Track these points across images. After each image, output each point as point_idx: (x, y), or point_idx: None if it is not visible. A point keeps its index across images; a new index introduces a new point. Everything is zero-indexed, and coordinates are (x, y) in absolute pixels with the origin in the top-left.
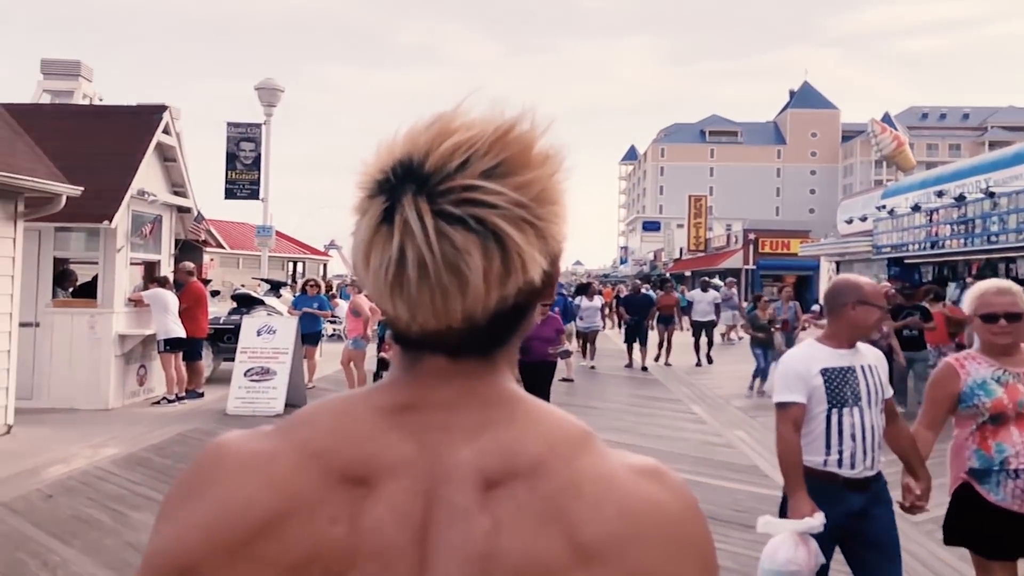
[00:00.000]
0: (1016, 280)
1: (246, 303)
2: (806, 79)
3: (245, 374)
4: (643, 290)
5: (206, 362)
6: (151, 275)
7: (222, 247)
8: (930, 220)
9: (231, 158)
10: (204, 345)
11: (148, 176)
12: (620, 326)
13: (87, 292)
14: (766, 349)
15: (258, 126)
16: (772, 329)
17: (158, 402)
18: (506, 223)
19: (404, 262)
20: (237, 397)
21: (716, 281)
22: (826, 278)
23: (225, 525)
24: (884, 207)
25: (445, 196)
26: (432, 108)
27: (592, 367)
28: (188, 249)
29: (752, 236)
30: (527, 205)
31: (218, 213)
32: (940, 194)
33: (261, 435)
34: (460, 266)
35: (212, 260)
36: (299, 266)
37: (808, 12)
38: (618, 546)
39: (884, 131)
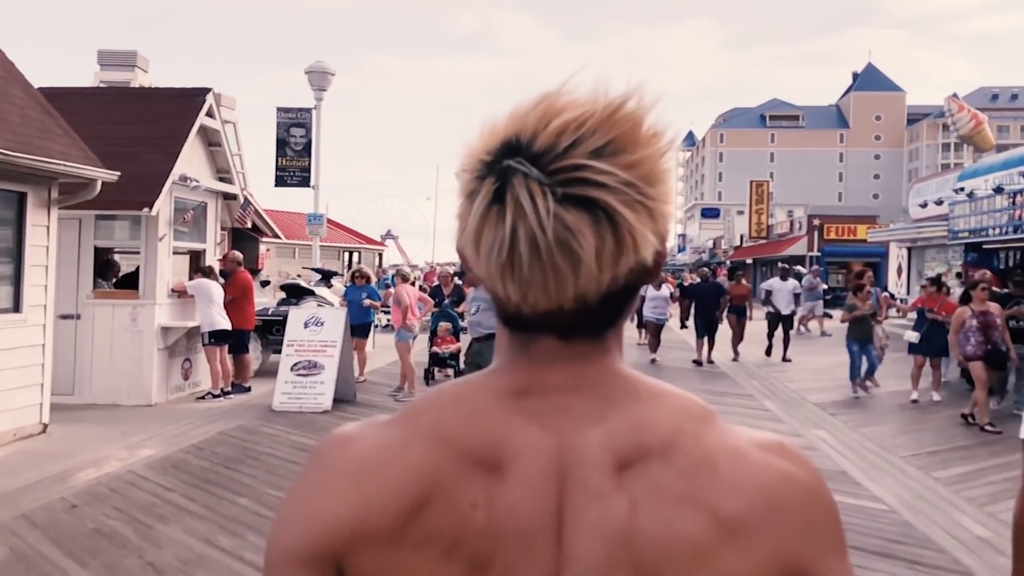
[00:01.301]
0: None
1: (296, 293)
2: (870, 60)
3: (292, 368)
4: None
5: (254, 355)
6: (196, 265)
7: (278, 237)
8: (1013, 203)
9: (281, 144)
10: (252, 337)
11: (191, 161)
12: (686, 318)
13: (130, 283)
14: (864, 344)
15: (308, 111)
16: (872, 321)
17: (203, 397)
18: (618, 202)
19: (516, 242)
20: (283, 392)
21: (800, 269)
22: (895, 265)
23: (376, 511)
24: (962, 189)
25: (556, 176)
26: (490, 97)
27: (654, 360)
28: (243, 239)
29: (817, 222)
30: (637, 184)
31: (274, 203)
32: None
33: (380, 425)
34: (572, 245)
35: (268, 250)
36: (354, 256)
37: None
38: (760, 520)
39: (961, 109)
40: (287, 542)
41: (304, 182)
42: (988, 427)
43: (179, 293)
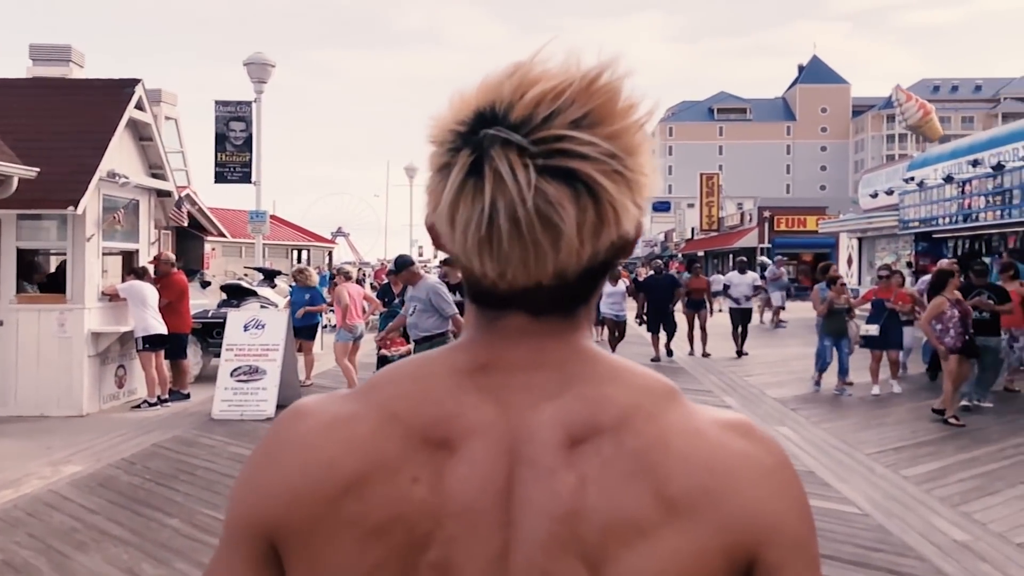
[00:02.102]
0: None
1: (237, 294)
2: (815, 53)
3: (231, 374)
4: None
5: (193, 360)
6: (129, 266)
7: (224, 236)
8: (962, 192)
9: (220, 139)
10: (191, 341)
11: (120, 156)
12: (641, 313)
13: (56, 286)
14: (839, 339)
15: (248, 104)
16: (847, 316)
17: (138, 406)
18: (600, 174)
19: (495, 216)
20: (223, 400)
21: (764, 259)
22: (846, 255)
23: (309, 486)
24: (912, 179)
25: (535, 147)
26: (440, 92)
27: None
28: (187, 238)
29: (767, 214)
30: (618, 155)
31: (219, 201)
32: (975, 163)
33: (339, 398)
34: (554, 219)
35: (213, 249)
36: (303, 254)
37: None
38: (707, 499)
39: (909, 99)
40: (233, 514)
41: (245, 178)
42: (952, 419)
43: (110, 296)
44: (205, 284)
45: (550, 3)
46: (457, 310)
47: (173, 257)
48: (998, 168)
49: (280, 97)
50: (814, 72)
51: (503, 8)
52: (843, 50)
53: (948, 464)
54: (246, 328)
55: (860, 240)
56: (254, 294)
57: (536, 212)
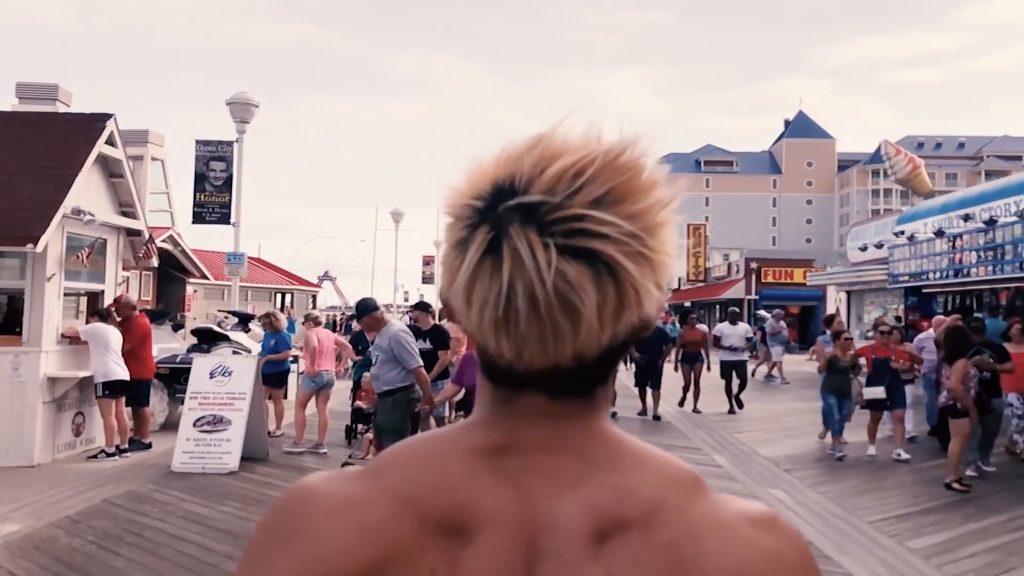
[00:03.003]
0: None
1: (208, 339)
2: (801, 108)
3: (195, 424)
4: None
5: (159, 407)
6: (92, 308)
7: (206, 278)
8: (953, 246)
9: (200, 179)
10: (157, 387)
11: (88, 193)
12: (628, 364)
13: (11, 327)
14: (841, 398)
15: (229, 144)
16: (851, 374)
17: (95, 456)
18: (621, 254)
19: (513, 297)
20: (184, 451)
21: (763, 313)
22: (833, 308)
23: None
24: (902, 232)
25: (555, 226)
26: (428, 138)
27: (614, 414)
28: (169, 280)
29: (754, 265)
30: (640, 235)
31: (203, 243)
32: (967, 218)
33: (347, 478)
34: (574, 301)
35: (195, 292)
36: (287, 297)
37: (798, 44)
38: None
39: (899, 153)
40: None
41: (224, 219)
42: (956, 485)
43: (70, 339)
44: (177, 327)
45: (538, 56)
46: (422, 362)
47: (134, 300)
48: (990, 223)
49: (269, 141)
50: (800, 127)
51: (492, 59)
52: (828, 106)
53: (956, 536)
54: (212, 375)
55: (848, 293)
56: (226, 339)
57: (555, 293)
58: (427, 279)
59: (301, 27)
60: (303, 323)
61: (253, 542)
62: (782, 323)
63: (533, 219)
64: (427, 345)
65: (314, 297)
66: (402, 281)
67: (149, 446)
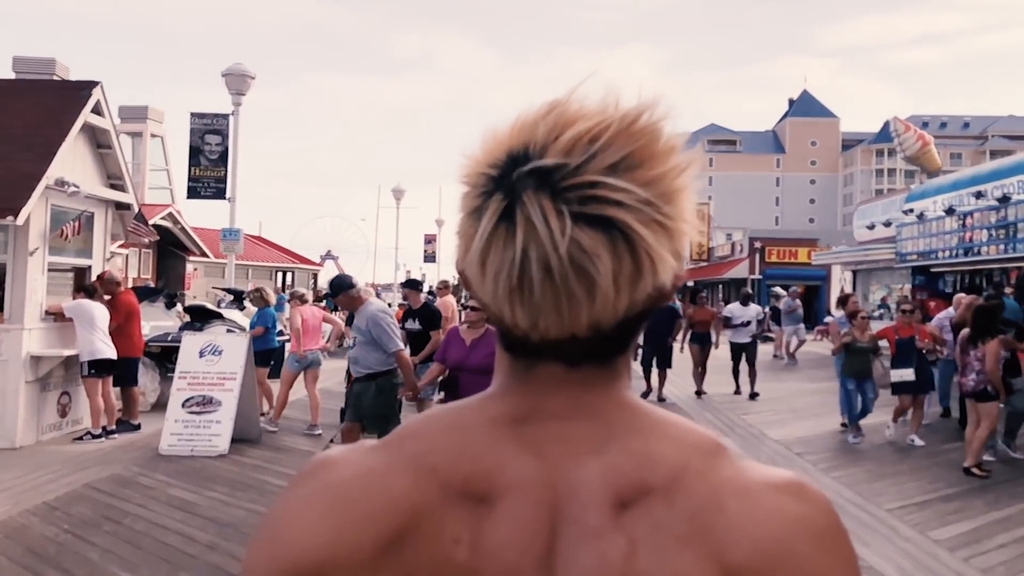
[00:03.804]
0: None
1: (201, 316)
2: (805, 87)
3: (183, 404)
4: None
5: (151, 386)
6: (78, 284)
7: (206, 256)
8: (964, 224)
9: (195, 152)
10: (149, 366)
11: (73, 164)
12: (636, 345)
13: None
14: (862, 381)
15: (225, 117)
16: (872, 355)
17: (81, 437)
18: (636, 222)
19: (527, 265)
20: (172, 433)
21: (778, 290)
22: (838, 288)
23: (348, 543)
24: (911, 211)
25: (569, 192)
26: (432, 117)
27: None
28: (168, 258)
29: (758, 244)
30: (655, 202)
31: (203, 220)
32: (979, 195)
33: (367, 449)
34: (588, 269)
35: (196, 270)
36: (288, 276)
37: (803, 22)
38: (768, 567)
39: (908, 130)
40: (258, 555)
41: (219, 194)
42: (975, 471)
43: (55, 316)
44: (171, 305)
45: (540, 33)
46: (403, 345)
47: (118, 276)
48: (1004, 200)
49: (271, 119)
50: (804, 106)
51: (495, 36)
52: (832, 85)
53: (981, 525)
54: (202, 354)
55: (855, 273)
56: (220, 317)
57: (570, 261)
58: (429, 258)
59: (303, 4)
60: (288, 300)
61: (273, 510)
62: (798, 301)
63: (547, 186)
64: (417, 325)
65: (315, 276)
66: (404, 260)
67: (138, 427)
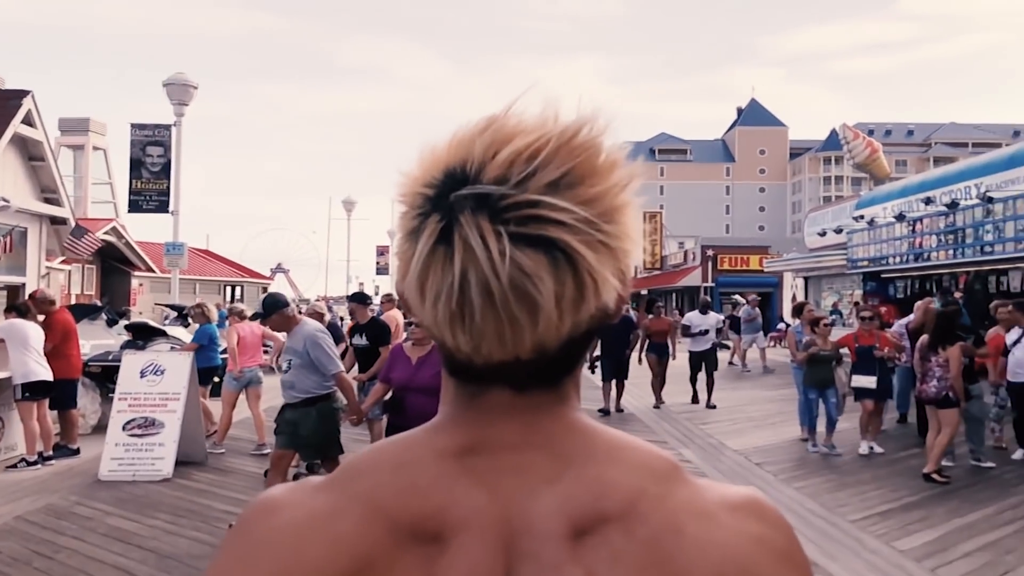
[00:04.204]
0: (1007, 294)
1: (144, 334)
2: (753, 96)
3: (124, 427)
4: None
5: (92, 408)
6: (11, 302)
7: (152, 271)
8: (913, 230)
9: (136, 165)
10: (89, 387)
11: (3, 177)
12: (591, 358)
13: None
14: (824, 390)
15: (167, 128)
16: (835, 364)
17: (15, 465)
18: (578, 242)
19: (467, 289)
20: (113, 458)
21: (738, 298)
22: (790, 295)
23: None
24: (861, 217)
25: (508, 212)
26: (382, 128)
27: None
28: (113, 273)
29: (711, 252)
30: (597, 221)
31: (149, 235)
32: (928, 201)
33: (312, 489)
34: (530, 292)
35: (141, 285)
36: (237, 290)
37: (751, 33)
38: None
39: (857, 137)
40: None
41: (162, 207)
42: (936, 476)
43: None
44: (112, 322)
45: (491, 44)
46: (343, 367)
47: (51, 294)
48: (952, 206)
49: (219, 130)
50: (753, 115)
51: (444, 47)
52: (780, 94)
53: (945, 534)
54: (143, 374)
55: (806, 279)
56: (163, 334)
57: (511, 284)
58: (381, 270)
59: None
60: (227, 317)
61: (216, 561)
62: (757, 310)
63: (485, 206)
64: (364, 341)
65: (265, 289)
66: (357, 272)
67: (77, 452)
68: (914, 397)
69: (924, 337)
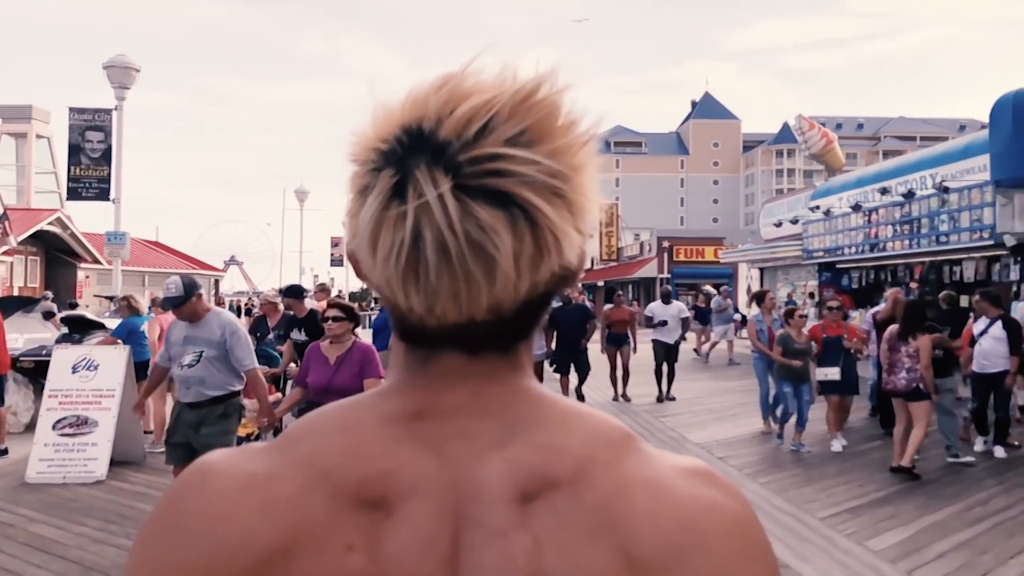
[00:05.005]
0: (961, 284)
1: (80, 327)
2: (707, 90)
3: (54, 426)
4: (576, 300)
5: (24, 405)
6: None
7: (99, 262)
8: (869, 220)
9: (74, 151)
10: (21, 383)
11: None
12: (550, 350)
13: None
14: (799, 384)
15: (108, 112)
16: (808, 358)
17: None
18: (537, 197)
19: (420, 245)
20: (41, 459)
21: (709, 288)
22: (745, 286)
23: (222, 563)
24: (817, 208)
25: (466, 167)
26: (338, 122)
27: None
28: (58, 265)
29: (666, 244)
30: (559, 175)
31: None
32: (884, 191)
33: (252, 453)
34: (487, 248)
35: (87, 277)
36: None
37: (705, 27)
38: (678, 557)
39: (812, 127)
40: None
41: (103, 195)
42: (912, 470)
43: None
44: (48, 315)
45: (446, 39)
46: (257, 361)
47: None
48: (909, 195)
49: (172, 122)
50: (706, 108)
51: (401, 40)
52: (733, 89)
53: (917, 532)
54: (75, 369)
55: (761, 270)
56: (102, 327)
57: (467, 240)
58: (336, 261)
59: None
60: (151, 308)
61: (145, 528)
62: (728, 300)
63: (441, 160)
64: (303, 336)
65: (217, 282)
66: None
67: (5, 452)
68: (879, 389)
69: (892, 327)
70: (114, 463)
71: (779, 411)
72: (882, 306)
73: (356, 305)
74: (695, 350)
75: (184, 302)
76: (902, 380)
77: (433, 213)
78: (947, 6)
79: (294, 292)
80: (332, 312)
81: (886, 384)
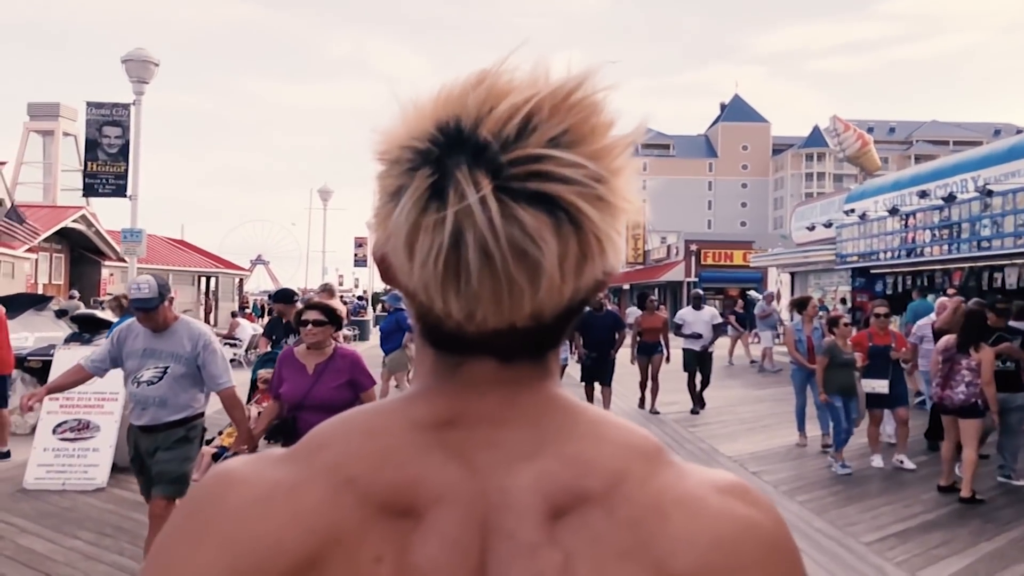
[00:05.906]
0: (1003, 291)
1: (90, 327)
2: (736, 92)
3: (55, 430)
4: (608, 307)
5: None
6: None
7: (123, 260)
8: (906, 224)
9: (91, 146)
10: (29, 383)
11: None
12: (579, 357)
13: None
14: (848, 399)
15: (125, 107)
16: (855, 369)
17: None
18: (582, 200)
19: (461, 249)
20: (40, 464)
21: (754, 293)
22: (775, 290)
23: (247, 572)
24: (852, 211)
25: (509, 168)
26: (364, 123)
27: None
28: (83, 263)
29: (694, 247)
30: (600, 178)
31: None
32: (923, 195)
33: (274, 460)
34: (532, 252)
35: (112, 275)
36: (212, 281)
37: (733, 30)
38: None
39: (848, 129)
40: None
41: (119, 191)
42: (970, 496)
43: None
44: (60, 313)
45: (471, 41)
46: (235, 382)
47: None
48: (950, 199)
49: (200, 122)
50: (735, 111)
51: (426, 42)
52: (763, 91)
53: (975, 561)
54: None
55: (792, 275)
56: (111, 327)
57: (510, 244)
58: (359, 262)
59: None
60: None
61: (163, 543)
62: (773, 304)
63: (483, 161)
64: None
65: (241, 281)
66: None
67: (7, 455)
68: (931, 403)
69: (947, 337)
70: (116, 468)
71: (830, 428)
72: (932, 316)
73: (380, 306)
74: (730, 360)
75: (156, 307)
76: (960, 395)
77: (475, 216)
78: (975, 10)
79: (284, 297)
80: (312, 315)
81: (939, 398)
